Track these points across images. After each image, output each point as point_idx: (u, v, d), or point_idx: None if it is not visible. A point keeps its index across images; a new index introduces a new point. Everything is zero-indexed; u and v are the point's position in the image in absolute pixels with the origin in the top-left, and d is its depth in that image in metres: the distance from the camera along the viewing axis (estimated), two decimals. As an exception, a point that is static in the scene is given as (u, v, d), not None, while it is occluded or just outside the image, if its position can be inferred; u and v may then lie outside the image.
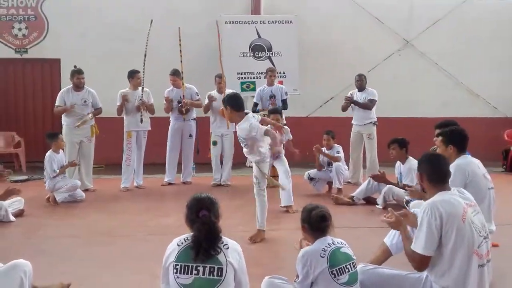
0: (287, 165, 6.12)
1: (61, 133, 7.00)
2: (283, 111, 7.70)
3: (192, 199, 2.66)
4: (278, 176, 6.24)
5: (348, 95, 7.82)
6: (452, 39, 10.45)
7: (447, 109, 10.02)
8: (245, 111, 4.68)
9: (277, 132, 5.16)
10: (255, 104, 7.79)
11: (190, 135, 7.78)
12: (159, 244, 4.30)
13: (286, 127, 5.98)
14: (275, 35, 9.63)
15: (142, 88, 7.30)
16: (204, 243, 2.46)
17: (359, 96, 7.74)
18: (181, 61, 7.35)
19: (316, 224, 2.81)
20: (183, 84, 7.52)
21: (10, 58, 9.82)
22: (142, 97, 7.29)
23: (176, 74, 7.53)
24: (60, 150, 6.65)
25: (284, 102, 7.73)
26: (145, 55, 7.25)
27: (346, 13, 10.35)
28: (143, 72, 7.26)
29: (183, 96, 7.47)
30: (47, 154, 6.49)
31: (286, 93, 7.78)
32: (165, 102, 7.56)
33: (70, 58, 9.00)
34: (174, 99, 7.61)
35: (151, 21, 7.41)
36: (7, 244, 4.64)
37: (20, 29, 9.82)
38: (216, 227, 2.52)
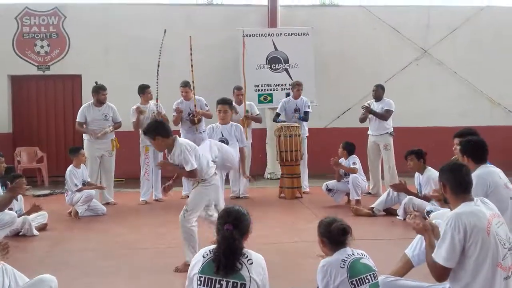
0: None
1: (83, 148, 7.14)
2: (304, 122, 7.82)
3: (223, 210, 2.69)
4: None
5: (366, 104, 7.82)
6: (470, 47, 10.36)
7: (466, 118, 9.91)
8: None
9: None
10: (277, 115, 7.91)
11: None
12: (178, 257, 4.36)
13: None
14: (291, 47, 9.69)
15: (157, 99, 7.40)
16: (223, 259, 2.46)
17: (376, 106, 7.74)
18: (192, 71, 7.38)
19: (336, 237, 2.79)
20: (194, 94, 7.55)
21: (32, 74, 10.07)
22: (157, 107, 7.39)
23: (188, 85, 7.58)
24: (82, 165, 6.77)
25: (306, 113, 7.85)
26: (158, 65, 7.32)
27: (362, 23, 10.37)
28: (157, 82, 7.33)
29: (195, 106, 7.52)
30: (68, 169, 6.62)
31: (308, 106, 7.92)
32: (174, 114, 7.56)
33: (90, 74, 9.20)
34: (184, 111, 7.63)
35: (165, 30, 7.50)
36: (32, 258, 4.72)
37: (42, 46, 10.08)
38: (236, 244, 2.48)
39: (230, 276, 2.45)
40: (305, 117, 7.84)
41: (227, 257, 2.46)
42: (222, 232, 2.53)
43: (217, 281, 2.46)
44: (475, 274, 2.67)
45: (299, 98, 7.93)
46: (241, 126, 6.55)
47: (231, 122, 6.46)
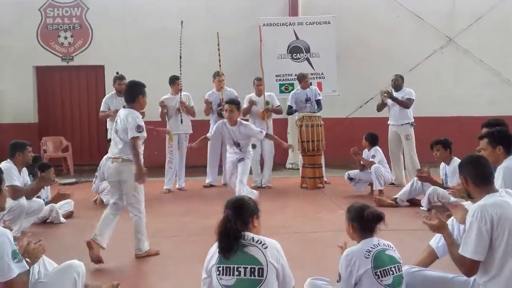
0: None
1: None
2: (319, 111, 7.76)
3: (228, 199, 2.75)
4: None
5: (387, 90, 7.67)
6: (497, 35, 10.09)
7: (493, 107, 9.69)
8: None
9: None
10: (290, 107, 7.86)
11: None
12: (202, 246, 4.36)
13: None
14: (313, 36, 9.57)
15: (181, 90, 7.46)
16: (220, 240, 2.54)
17: (396, 96, 7.60)
18: (220, 65, 7.42)
19: (370, 223, 2.74)
20: (223, 87, 7.60)
21: (57, 65, 10.24)
22: (181, 98, 7.46)
23: (222, 75, 7.65)
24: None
25: (318, 102, 7.78)
26: (180, 57, 7.37)
27: (385, 11, 10.19)
28: (180, 74, 7.40)
29: (222, 99, 7.54)
30: (104, 157, 6.70)
31: (319, 94, 7.84)
32: (205, 104, 7.67)
33: (113, 64, 9.29)
34: (214, 102, 7.70)
35: (182, 22, 7.54)
36: (59, 245, 4.82)
37: (66, 38, 10.22)
38: (232, 227, 2.53)
39: (248, 262, 2.49)
40: (318, 107, 7.78)
41: (223, 239, 2.53)
42: (223, 217, 2.60)
43: (235, 269, 2.51)
44: (501, 265, 2.64)
45: (308, 88, 7.87)
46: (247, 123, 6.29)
47: (239, 121, 6.06)
